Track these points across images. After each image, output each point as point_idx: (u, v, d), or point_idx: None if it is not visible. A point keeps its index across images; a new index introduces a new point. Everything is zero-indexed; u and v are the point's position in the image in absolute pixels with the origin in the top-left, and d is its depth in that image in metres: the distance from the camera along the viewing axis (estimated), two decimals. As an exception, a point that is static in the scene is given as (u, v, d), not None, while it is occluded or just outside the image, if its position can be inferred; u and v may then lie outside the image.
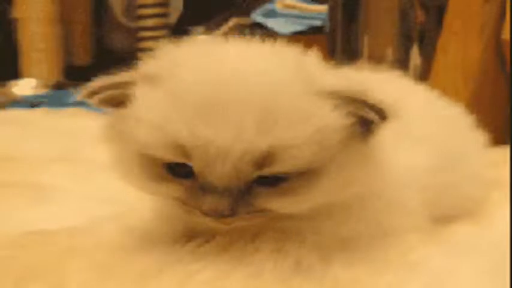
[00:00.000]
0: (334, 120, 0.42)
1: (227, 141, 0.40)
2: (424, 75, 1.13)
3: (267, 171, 0.42)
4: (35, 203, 0.58)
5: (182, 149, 0.41)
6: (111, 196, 0.52)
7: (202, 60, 0.44)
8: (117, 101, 0.45)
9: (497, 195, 0.61)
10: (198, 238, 0.45)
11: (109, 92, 0.44)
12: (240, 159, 0.41)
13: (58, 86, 1.69)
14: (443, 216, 0.54)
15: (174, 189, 0.44)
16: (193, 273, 0.42)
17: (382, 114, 0.42)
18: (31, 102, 1.35)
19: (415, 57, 1.26)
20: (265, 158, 0.41)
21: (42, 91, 1.61)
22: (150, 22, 1.80)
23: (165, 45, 0.47)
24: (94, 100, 0.44)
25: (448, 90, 0.71)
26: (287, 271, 0.43)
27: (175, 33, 1.78)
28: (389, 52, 1.29)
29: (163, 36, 1.77)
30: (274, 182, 0.43)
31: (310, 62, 0.46)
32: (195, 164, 0.42)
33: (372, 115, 0.42)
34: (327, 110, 0.42)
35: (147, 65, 0.46)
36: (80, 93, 0.45)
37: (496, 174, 0.65)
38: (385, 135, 0.48)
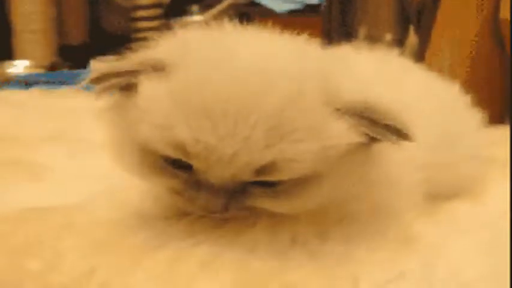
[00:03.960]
0: (345, 138, 0.41)
1: (231, 151, 0.39)
2: (420, 55, 1.12)
3: (264, 178, 0.41)
4: (30, 181, 0.58)
5: (183, 149, 0.40)
6: (105, 174, 0.52)
7: (213, 55, 0.42)
8: (122, 88, 0.44)
9: (494, 173, 0.62)
10: (193, 215, 0.45)
11: (114, 80, 0.43)
12: (242, 168, 0.40)
13: (52, 66, 1.68)
14: (441, 195, 0.54)
15: (171, 180, 0.43)
16: (188, 249, 0.42)
17: (402, 135, 0.41)
18: (25, 82, 1.34)
19: (412, 37, 1.26)
20: (266, 168, 0.40)
21: (36, 71, 1.60)
22: (144, 1, 1.79)
23: (166, 29, 0.46)
24: (99, 87, 0.43)
25: (444, 70, 0.71)
26: (283, 246, 0.43)
27: (170, 13, 1.77)
28: (386, 32, 1.28)
29: (158, 16, 1.76)
30: (270, 184, 0.42)
31: (333, 68, 0.44)
32: (195, 164, 0.41)
33: (391, 138, 0.41)
34: (341, 128, 0.41)
35: (150, 52, 0.45)
36: (84, 79, 0.43)
37: (493, 153, 0.65)
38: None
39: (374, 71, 0.55)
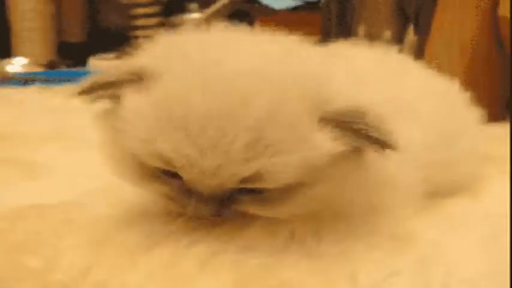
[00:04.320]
0: (328, 149, 0.40)
1: (213, 164, 0.40)
2: (419, 53, 1.12)
3: (251, 185, 0.41)
4: (28, 179, 0.58)
5: (169, 161, 0.41)
6: (104, 172, 0.52)
7: (194, 65, 0.41)
8: (110, 98, 0.44)
9: (492, 171, 0.62)
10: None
11: (100, 92, 0.43)
12: (226, 179, 0.40)
13: (51, 64, 1.68)
14: (440, 193, 0.54)
15: (163, 188, 0.44)
16: (186, 247, 0.42)
17: (385, 145, 0.40)
18: (24, 80, 1.34)
19: (411, 35, 1.26)
20: (251, 178, 0.40)
21: (35, 69, 1.60)
22: (143, -1, 1.78)
23: (159, 35, 0.45)
24: (87, 99, 0.44)
25: (443, 67, 0.71)
26: (280, 245, 0.43)
27: (169, 10, 1.76)
28: (385, 29, 1.28)
29: (156, 13, 1.76)
30: (258, 191, 0.42)
31: (322, 71, 0.43)
32: (182, 174, 0.42)
33: (374, 148, 0.41)
34: (324, 139, 0.40)
35: (138, 61, 0.44)
36: (72, 93, 0.44)
37: (492, 151, 0.65)
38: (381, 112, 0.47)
39: (373, 68, 0.55)
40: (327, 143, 0.40)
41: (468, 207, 0.53)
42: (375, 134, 0.40)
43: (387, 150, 0.40)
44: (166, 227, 0.45)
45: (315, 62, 0.45)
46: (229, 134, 0.39)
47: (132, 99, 0.42)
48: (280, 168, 0.40)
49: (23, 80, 1.36)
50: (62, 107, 0.92)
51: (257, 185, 0.41)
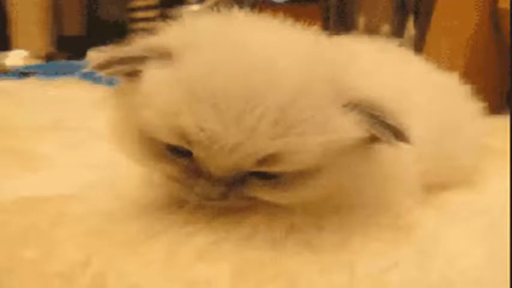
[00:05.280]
0: (349, 133, 0.41)
1: (236, 141, 0.39)
2: (419, 46, 1.12)
3: (266, 169, 0.41)
4: (26, 171, 0.58)
5: (186, 137, 0.40)
6: (102, 163, 0.52)
7: (220, 43, 0.41)
8: (128, 74, 0.43)
9: (492, 163, 0.62)
10: (190, 204, 0.45)
11: (119, 67, 0.43)
12: (244, 158, 0.40)
13: (50, 57, 1.68)
14: (439, 184, 0.54)
15: (171, 168, 0.43)
16: (185, 238, 0.42)
17: (400, 137, 0.41)
18: (22, 73, 1.34)
19: (410, 28, 1.26)
20: (269, 159, 0.40)
21: (33, 62, 1.59)
22: (142, -9, 1.78)
23: (182, 17, 0.45)
24: (103, 73, 0.43)
25: (443, 60, 0.70)
26: (279, 235, 0.43)
27: (168, 2, 1.76)
28: (384, 22, 1.28)
29: (155, 6, 1.75)
30: (269, 175, 0.42)
31: (344, 62, 0.44)
32: (196, 152, 0.41)
33: (389, 137, 0.41)
34: (346, 123, 0.41)
35: (156, 39, 0.44)
36: (89, 64, 0.43)
37: (492, 143, 0.65)
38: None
39: (374, 61, 0.55)
40: (348, 128, 0.41)
41: (468, 200, 0.53)
42: (394, 124, 0.41)
43: (401, 143, 0.41)
44: (165, 218, 0.45)
45: (337, 51, 0.46)
46: (257, 110, 0.39)
47: (154, 73, 0.41)
48: (302, 149, 0.40)
49: (22, 72, 1.36)
50: (61, 99, 0.92)
51: (272, 168, 0.41)
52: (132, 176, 0.50)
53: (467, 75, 0.63)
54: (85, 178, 0.54)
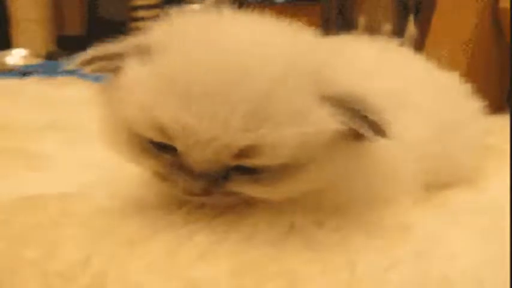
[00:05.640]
0: (326, 125, 0.40)
1: (210, 134, 0.39)
2: (419, 45, 1.12)
3: (246, 162, 0.41)
4: (27, 170, 0.58)
5: (165, 132, 0.40)
6: (102, 163, 0.52)
7: (199, 38, 0.42)
8: (111, 70, 0.44)
9: (492, 163, 0.61)
10: (191, 203, 0.45)
11: (102, 63, 0.44)
12: (221, 151, 0.40)
13: (50, 56, 1.68)
14: (440, 183, 0.54)
15: (156, 164, 0.44)
16: (186, 237, 0.42)
17: (379, 131, 0.40)
18: (22, 72, 1.34)
19: (411, 27, 1.26)
20: (247, 151, 0.40)
21: (34, 61, 1.59)
22: (143, -10, 1.78)
23: (163, 16, 0.46)
24: (87, 69, 0.44)
25: (443, 59, 0.70)
26: (280, 234, 0.43)
27: (169, 1, 1.76)
28: (385, 21, 1.28)
29: (157, 5, 1.75)
30: (251, 170, 0.42)
31: (326, 58, 0.43)
32: (178, 146, 0.41)
33: (367, 132, 0.40)
34: (322, 116, 0.40)
35: (141, 36, 0.45)
36: (73, 62, 0.44)
37: (492, 142, 0.65)
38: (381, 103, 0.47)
39: (375, 61, 0.55)
40: (325, 120, 0.40)
41: (468, 199, 0.53)
42: (371, 118, 0.40)
43: (380, 138, 0.40)
44: (166, 217, 0.45)
45: (319, 47, 0.45)
46: (230, 103, 0.39)
47: (134, 69, 0.42)
48: (278, 141, 0.39)
49: (22, 71, 1.36)
50: (61, 98, 0.92)
51: (252, 161, 0.41)
52: (132, 175, 0.50)
53: (468, 75, 0.63)
54: (85, 177, 0.54)
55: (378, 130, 0.40)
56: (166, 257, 0.40)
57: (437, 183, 0.53)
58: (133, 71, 0.42)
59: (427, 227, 0.46)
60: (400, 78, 0.55)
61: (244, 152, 0.40)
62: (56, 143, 0.67)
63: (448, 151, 0.55)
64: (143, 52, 0.42)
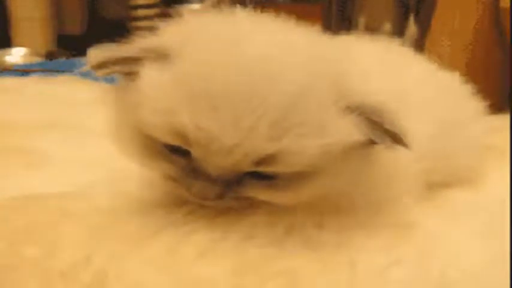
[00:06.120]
0: (348, 136, 0.41)
1: (233, 141, 0.39)
2: (420, 45, 1.12)
3: (264, 169, 0.41)
4: (27, 168, 0.58)
5: (184, 137, 0.40)
6: (102, 161, 0.52)
7: (219, 41, 0.41)
8: (125, 74, 0.43)
9: (493, 163, 0.61)
10: (191, 203, 0.45)
11: (116, 67, 0.42)
12: (241, 159, 0.40)
13: (50, 55, 1.68)
14: (440, 183, 0.54)
15: (169, 167, 0.43)
16: (186, 235, 0.42)
17: (399, 142, 0.41)
18: (22, 71, 1.34)
19: (412, 27, 1.26)
20: (267, 159, 0.40)
21: (34, 60, 1.59)
22: (143, -11, 1.78)
23: (179, 16, 0.45)
24: (99, 73, 0.43)
25: (444, 59, 0.70)
26: (280, 234, 0.43)
27: (169, 0, 1.76)
28: (385, 21, 1.28)
29: (156, 4, 1.75)
30: (267, 176, 0.42)
31: (346, 65, 0.43)
32: (195, 152, 0.41)
33: (388, 143, 0.41)
34: (345, 127, 0.40)
35: (154, 39, 0.44)
36: (85, 64, 0.43)
37: (492, 142, 0.65)
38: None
39: (377, 61, 0.55)
40: (347, 131, 0.40)
41: (468, 198, 0.53)
42: (393, 129, 0.40)
43: (399, 146, 0.41)
44: (166, 216, 0.44)
45: (336, 51, 0.45)
46: (255, 111, 0.38)
47: (152, 73, 0.41)
48: (300, 150, 0.39)
49: (22, 70, 1.36)
50: (62, 97, 0.92)
51: (270, 169, 0.41)
52: (133, 174, 0.50)
53: (468, 75, 0.63)
54: (86, 176, 0.54)
55: (399, 140, 0.40)
56: (167, 255, 0.40)
57: (438, 183, 0.53)
58: (152, 76, 0.41)
59: (428, 226, 0.46)
60: (400, 77, 0.55)
61: (265, 159, 0.40)
62: (56, 142, 0.67)
63: (449, 151, 0.55)
64: (160, 56, 0.41)
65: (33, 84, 1.05)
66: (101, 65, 0.42)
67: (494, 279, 0.39)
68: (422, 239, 0.44)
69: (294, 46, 0.42)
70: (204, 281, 0.37)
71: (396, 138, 0.40)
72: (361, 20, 1.30)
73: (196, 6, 1.70)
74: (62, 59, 1.61)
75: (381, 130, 0.41)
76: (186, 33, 0.43)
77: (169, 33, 0.44)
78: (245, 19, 0.44)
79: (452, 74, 0.62)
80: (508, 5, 0.98)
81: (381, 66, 0.54)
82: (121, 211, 0.46)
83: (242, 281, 0.38)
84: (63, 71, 1.17)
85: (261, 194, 0.43)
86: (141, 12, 1.76)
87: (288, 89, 0.39)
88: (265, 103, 0.38)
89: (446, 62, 0.63)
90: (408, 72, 0.57)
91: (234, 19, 0.44)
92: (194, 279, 0.38)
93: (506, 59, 1.02)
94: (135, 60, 0.42)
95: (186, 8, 1.71)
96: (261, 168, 0.41)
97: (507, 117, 0.79)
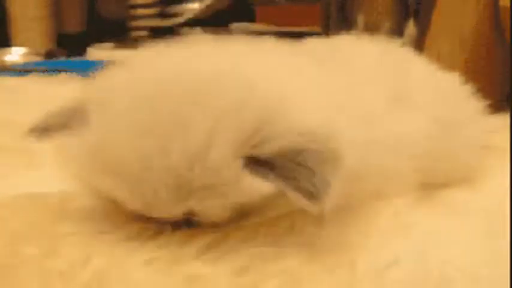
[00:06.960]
0: (256, 192, 0.38)
1: (144, 205, 0.40)
2: (419, 44, 1.12)
3: (195, 218, 0.41)
4: (27, 167, 0.58)
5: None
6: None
7: (122, 100, 0.40)
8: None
9: (492, 162, 0.61)
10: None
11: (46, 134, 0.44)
12: (166, 215, 0.41)
13: (49, 54, 1.68)
14: (439, 182, 0.54)
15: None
16: (187, 235, 0.42)
17: (312, 199, 0.36)
18: (22, 70, 1.34)
19: (411, 26, 1.26)
20: (188, 213, 0.40)
21: (33, 59, 1.59)
22: (141, -12, 1.78)
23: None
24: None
25: (443, 59, 0.71)
26: (279, 234, 0.43)
27: (167, 0, 1.76)
28: (385, 21, 1.28)
29: (155, 3, 1.75)
30: None
31: (272, 94, 0.39)
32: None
33: (300, 199, 0.37)
34: (253, 182, 0.38)
35: (81, 96, 0.45)
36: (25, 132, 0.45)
37: (492, 142, 0.65)
38: (381, 102, 0.48)
39: (376, 61, 0.55)
40: (255, 186, 0.38)
41: (468, 198, 0.53)
42: (304, 184, 0.36)
43: (312, 202, 0.36)
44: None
45: (271, 77, 0.40)
46: (153, 176, 0.38)
47: (68, 141, 0.42)
48: (209, 211, 0.40)
49: (22, 69, 1.36)
50: (61, 96, 0.92)
51: (197, 217, 0.41)
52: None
53: (468, 74, 0.63)
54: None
55: (312, 198, 0.36)
56: (167, 254, 0.40)
57: (437, 182, 0.54)
58: (67, 143, 0.42)
59: (427, 226, 0.46)
60: (400, 76, 0.55)
61: (187, 213, 0.40)
62: (56, 141, 0.66)
63: (448, 151, 0.55)
64: (79, 118, 0.42)
65: (32, 83, 1.05)
66: (35, 131, 0.44)
67: (494, 279, 0.39)
68: (422, 239, 0.44)
69: (199, 93, 0.38)
70: (204, 280, 0.37)
71: (308, 194, 0.36)
72: (361, 20, 1.30)
73: (194, 5, 1.70)
74: (62, 58, 1.61)
75: (290, 185, 0.37)
76: (100, 89, 0.43)
77: (93, 86, 0.44)
78: (155, 68, 0.42)
79: (452, 74, 0.62)
80: (508, 3, 0.98)
81: (381, 67, 0.54)
82: (121, 210, 0.46)
83: (242, 280, 0.38)
84: (63, 71, 1.17)
85: (216, 219, 0.42)
86: (139, 11, 1.76)
87: (184, 155, 0.37)
88: (160, 172, 0.38)
89: (446, 62, 0.63)
90: (407, 71, 0.57)
91: (144, 71, 0.42)
92: (194, 278, 0.37)
93: (506, 58, 1.02)
94: (55, 126, 0.44)
95: (184, 8, 1.71)
96: (191, 217, 0.41)
97: (507, 117, 0.80)
